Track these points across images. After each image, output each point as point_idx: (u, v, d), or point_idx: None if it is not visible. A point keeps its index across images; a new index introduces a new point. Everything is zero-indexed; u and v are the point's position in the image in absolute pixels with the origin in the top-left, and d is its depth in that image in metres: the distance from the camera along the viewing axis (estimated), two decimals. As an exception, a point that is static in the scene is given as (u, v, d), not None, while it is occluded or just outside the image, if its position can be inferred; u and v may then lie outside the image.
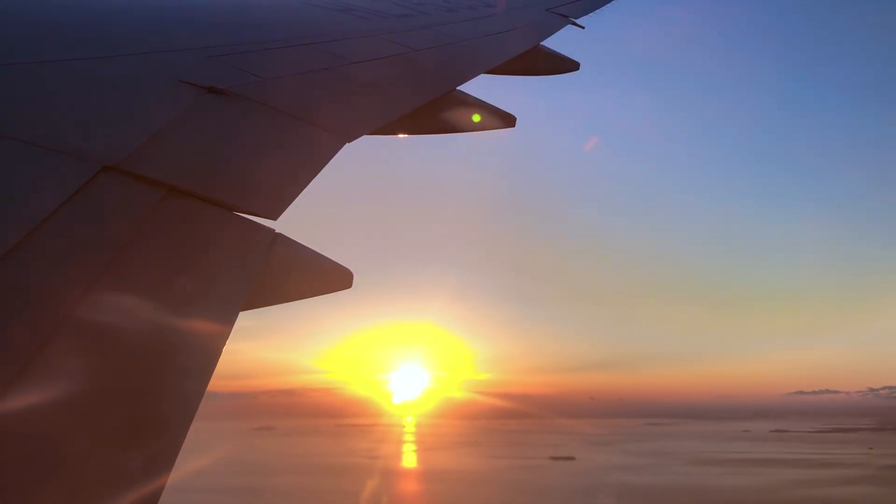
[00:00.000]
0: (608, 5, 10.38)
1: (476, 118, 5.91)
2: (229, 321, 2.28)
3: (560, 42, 8.19)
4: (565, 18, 9.03)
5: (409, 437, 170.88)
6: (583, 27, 9.15)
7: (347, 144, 3.82)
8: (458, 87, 5.64)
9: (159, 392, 1.98)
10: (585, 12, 9.60)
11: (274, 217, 2.87)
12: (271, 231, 2.82)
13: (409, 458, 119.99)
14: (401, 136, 5.16)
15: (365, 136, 4.06)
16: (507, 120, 6.14)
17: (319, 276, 3.12)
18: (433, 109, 5.20)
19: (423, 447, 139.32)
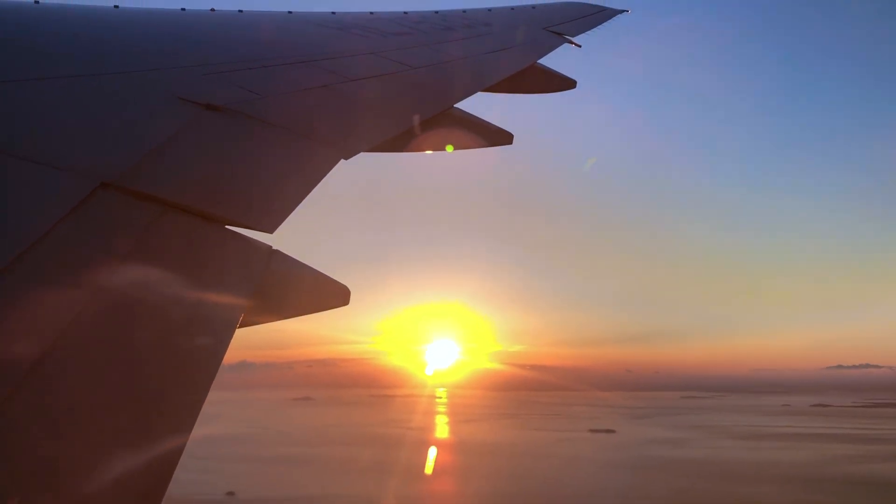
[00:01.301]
0: (603, 25, 10.42)
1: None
2: (226, 338, 2.28)
3: (557, 60, 8.23)
4: (562, 37, 9.07)
5: (446, 409, 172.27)
6: (579, 46, 9.21)
7: (349, 161, 3.83)
8: (455, 105, 5.64)
9: (155, 409, 1.96)
10: (581, 31, 9.66)
11: (270, 230, 2.87)
12: (268, 248, 2.83)
13: (450, 430, 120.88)
14: (399, 153, 5.14)
15: (363, 153, 4.06)
16: (504, 137, 6.09)
17: (316, 293, 3.12)
18: (431, 127, 5.19)
19: (462, 419, 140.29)
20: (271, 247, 2.85)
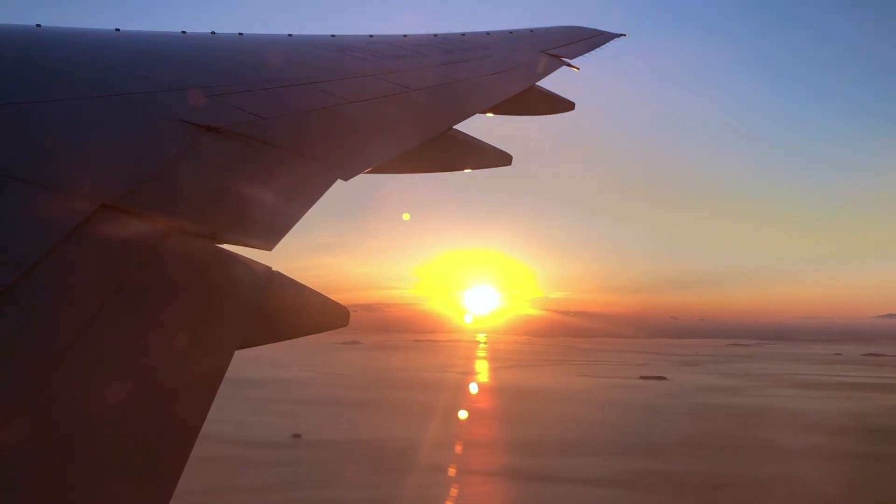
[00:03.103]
0: (601, 48, 10.54)
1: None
2: (225, 359, 2.27)
3: (555, 83, 8.26)
4: (560, 60, 9.14)
5: (493, 354, 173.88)
6: (577, 69, 9.27)
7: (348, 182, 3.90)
8: (454, 126, 5.67)
9: (152, 432, 1.94)
10: (579, 55, 9.76)
11: (269, 248, 2.91)
12: (268, 269, 2.85)
13: (501, 376, 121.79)
14: (398, 174, 5.19)
15: (363, 174, 4.11)
16: (503, 158, 6.11)
17: (315, 315, 3.14)
18: (430, 148, 5.21)
19: (511, 364, 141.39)
20: (271, 268, 2.87)
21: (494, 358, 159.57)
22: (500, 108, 6.89)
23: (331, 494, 46.57)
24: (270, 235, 2.98)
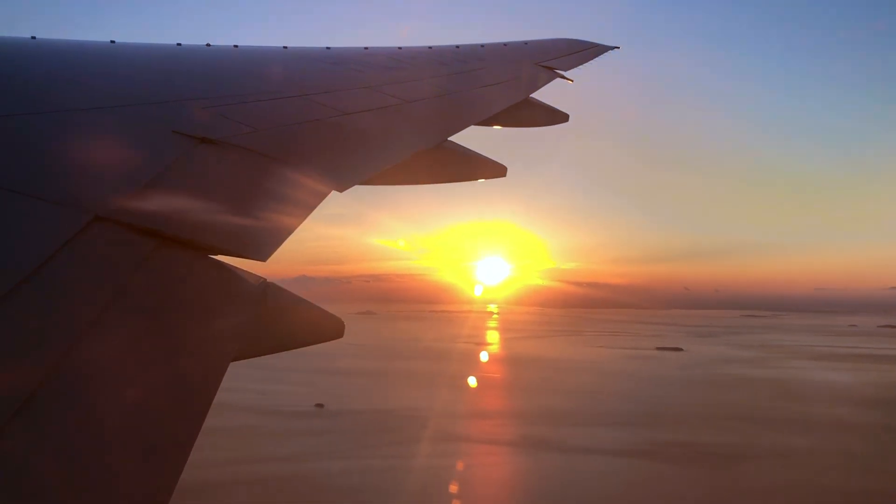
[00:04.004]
0: (595, 60, 10.61)
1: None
2: (219, 372, 2.27)
3: (549, 95, 8.31)
4: (554, 72, 9.19)
5: (508, 325, 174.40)
6: (571, 81, 9.33)
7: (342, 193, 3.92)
8: (449, 138, 5.69)
9: (146, 445, 1.93)
10: (573, 67, 9.82)
11: (263, 259, 2.90)
12: (263, 281, 2.87)
13: (518, 346, 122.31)
14: (393, 185, 5.22)
15: (357, 186, 4.13)
16: (498, 169, 6.15)
17: (311, 326, 3.16)
18: (425, 159, 5.24)
19: (526, 335, 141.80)
20: (266, 279, 2.88)
21: (509, 329, 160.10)
22: (495, 120, 6.95)
23: (360, 464, 46.93)
24: (264, 247, 2.97)
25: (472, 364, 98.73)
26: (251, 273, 2.86)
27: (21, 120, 3.31)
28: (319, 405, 63.50)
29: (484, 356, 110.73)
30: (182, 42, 6.55)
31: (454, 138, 5.74)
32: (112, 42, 6.11)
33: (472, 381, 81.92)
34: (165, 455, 1.90)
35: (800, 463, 47.74)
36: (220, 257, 2.81)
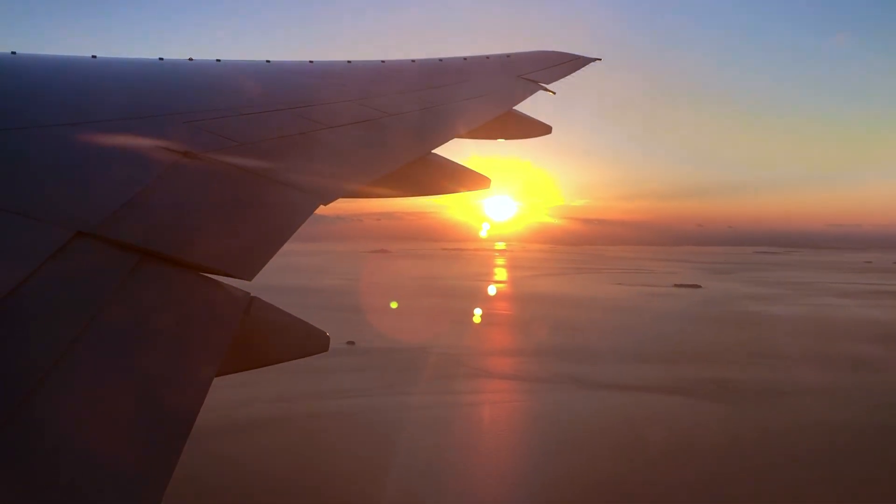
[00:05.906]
0: (577, 72, 10.66)
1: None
2: (204, 386, 2.25)
3: (532, 107, 8.32)
4: (536, 84, 9.24)
5: (523, 263, 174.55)
6: (553, 92, 9.37)
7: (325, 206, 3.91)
8: (432, 151, 5.72)
9: (131, 457, 1.92)
10: (555, 79, 9.87)
11: (249, 278, 2.86)
12: (247, 295, 2.84)
13: (536, 284, 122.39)
14: (377, 198, 5.24)
15: (342, 199, 4.13)
16: (482, 181, 6.19)
17: (295, 340, 3.15)
18: (409, 172, 5.27)
19: (543, 272, 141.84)
20: (249, 294, 2.86)
21: (523, 266, 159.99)
22: (479, 133, 6.99)
23: (406, 400, 47.32)
24: (250, 265, 2.93)
25: (491, 302, 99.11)
26: (235, 287, 2.83)
27: (2, 135, 3.30)
28: (350, 343, 64.11)
29: (504, 294, 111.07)
30: (164, 57, 6.57)
31: (438, 151, 5.77)
32: (94, 57, 6.07)
33: (496, 320, 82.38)
34: (149, 469, 1.89)
35: (839, 398, 47.97)
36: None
